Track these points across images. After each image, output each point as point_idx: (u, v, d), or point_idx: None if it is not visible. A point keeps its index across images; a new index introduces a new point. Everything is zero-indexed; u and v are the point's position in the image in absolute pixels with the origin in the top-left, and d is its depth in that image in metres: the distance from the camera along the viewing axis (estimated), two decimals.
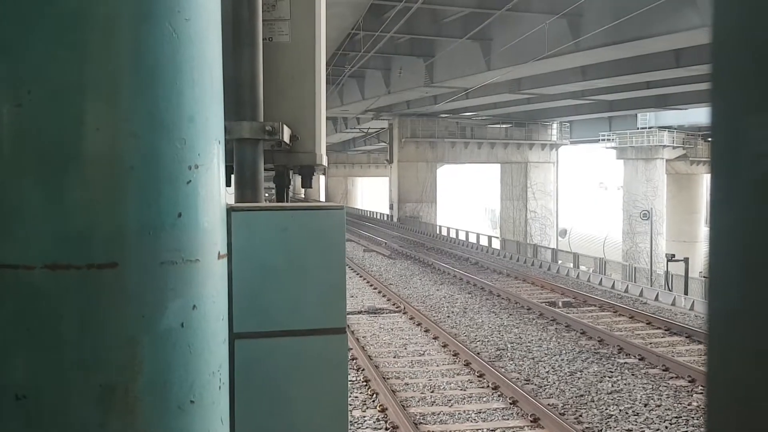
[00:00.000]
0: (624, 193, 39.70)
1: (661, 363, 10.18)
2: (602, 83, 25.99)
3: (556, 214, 45.54)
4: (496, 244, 30.45)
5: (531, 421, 7.86)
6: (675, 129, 38.33)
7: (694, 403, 8.53)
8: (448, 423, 7.97)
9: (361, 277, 19.79)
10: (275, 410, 1.52)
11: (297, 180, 2.61)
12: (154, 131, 1.04)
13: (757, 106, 0.59)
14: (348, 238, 26.58)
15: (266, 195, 2.33)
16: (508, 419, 8.06)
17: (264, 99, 2.07)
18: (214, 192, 1.16)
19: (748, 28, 0.60)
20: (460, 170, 70.01)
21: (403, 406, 8.33)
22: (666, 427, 7.75)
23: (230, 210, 1.42)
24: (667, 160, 38.32)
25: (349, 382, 9.21)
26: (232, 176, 2.04)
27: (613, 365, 10.37)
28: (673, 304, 16.00)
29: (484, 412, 8.26)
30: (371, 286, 18.26)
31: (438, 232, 36.01)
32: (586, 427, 7.71)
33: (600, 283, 19.26)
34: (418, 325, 13.30)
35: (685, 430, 7.69)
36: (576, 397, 8.86)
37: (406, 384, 9.44)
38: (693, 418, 8.05)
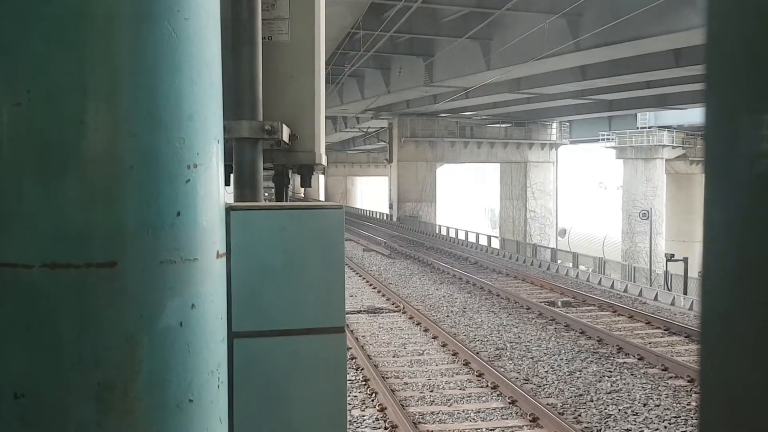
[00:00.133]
0: (623, 193, 39.70)
1: (660, 363, 10.18)
2: (602, 83, 25.99)
3: (556, 214, 45.54)
4: (495, 244, 30.45)
5: (530, 421, 7.86)
6: (674, 129, 38.33)
7: (693, 403, 8.54)
8: (447, 422, 7.97)
9: (360, 276, 19.79)
10: (274, 409, 1.53)
11: (296, 179, 2.61)
12: (153, 130, 1.04)
13: (751, 107, 0.59)
14: (347, 238, 26.60)
15: (265, 194, 2.33)
16: (507, 419, 8.06)
17: (263, 98, 2.07)
18: (213, 191, 1.16)
19: (742, 29, 0.60)
20: (460, 170, 70.04)
21: (402, 405, 8.33)
22: (665, 427, 7.76)
23: (229, 209, 1.42)
24: (666, 160, 38.33)
25: (349, 382, 9.21)
26: (231, 175, 2.04)
27: (612, 365, 10.37)
28: (673, 303, 16.00)
29: (483, 412, 8.26)
30: (370, 285, 18.26)
31: (437, 231, 36.01)
32: (585, 427, 7.71)
33: (599, 283, 19.26)
34: (418, 324, 13.30)
35: (684, 429, 7.70)
36: (575, 396, 8.86)
37: (405, 383, 9.44)
38: (692, 417, 8.05)
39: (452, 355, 10.93)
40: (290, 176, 2.37)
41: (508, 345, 11.72)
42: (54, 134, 0.99)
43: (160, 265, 1.04)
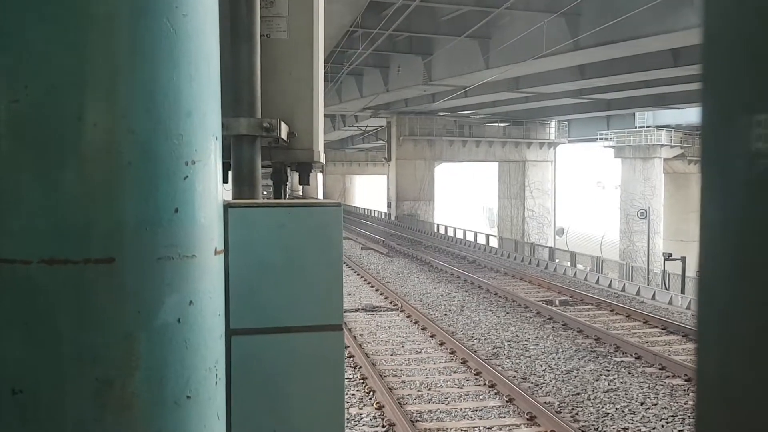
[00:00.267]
0: (621, 192, 39.73)
1: (657, 362, 10.20)
2: (600, 82, 25.99)
3: (554, 213, 45.56)
4: (493, 243, 30.47)
5: (527, 419, 7.88)
6: (673, 128, 38.35)
7: (690, 402, 8.55)
8: (445, 421, 7.98)
9: (358, 275, 19.79)
10: (272, 406, 1.53)
11: (295, 177, 2.61)
12: (151, 127, 1.04)
13: (749, 106, 0.59)
14: (346, 236, 26.58)
15: (264, 192, 2.33)
16: (504, 417, 8.07)
17: (261, 95, 2.07)
18: (211, 188, 1.16)
19: (740, 28, 0.60)
20: (458, 168, 70.04)
21: (400, 403, 8.34)
22: (662, 426, 7.77)
23: (227, 206, 1.42)
24: (664, 159, 38.34)
25: (347, 379, 9.21)
26: (230, 173, 2.04)
27: (609, 364, 10.39)
28: (670, 303, 16.03)
29: (481, 410, 8.28)
30: (369, 284, 18.27)
31: (436, 230, 36.03)
32: (583, 426, 7.72)
33: (597, 282, 19.29)
34: (416, 323, 13.31)
35: (681, 428, 7.71)
36: (572, 395, 8.88)
37: (403, 382, 9.45)
38: (689, 417, 8.06)
39: (450, 353, 10.95)
40: (289, 174, 2.37)
41: (506, 343, 11.74)
42: (52, 130, 0.99)
43: (157, 261, 1.04)
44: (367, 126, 48.60)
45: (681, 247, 32.06)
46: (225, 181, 1.82)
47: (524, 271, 21.23)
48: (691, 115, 36.34)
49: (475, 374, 9.70)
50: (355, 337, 11.99)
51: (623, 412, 8.23)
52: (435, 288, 17.75)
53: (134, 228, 1.02)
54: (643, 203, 34.76)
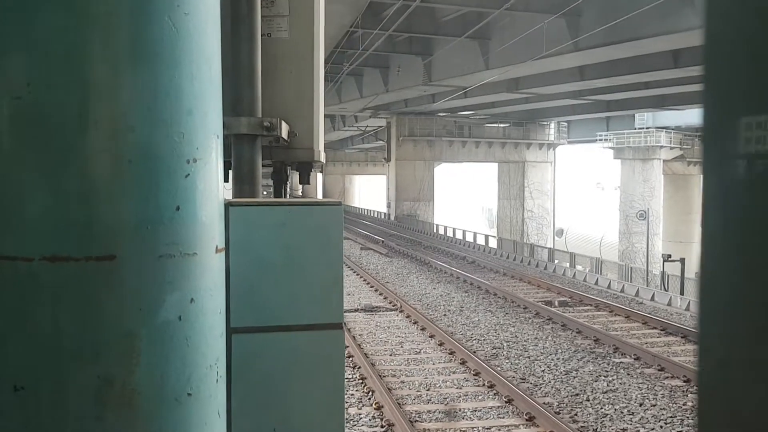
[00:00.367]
0: (621, 194, 39.73)
1: (656, 363, 10.20)
2: (600, 83, 26.00)
3: (553, 214, 45.57)
4: (492, 243, 30.47)
5: (526, 420, 7.88)
6: (672, 129, 38.36)
7: (689, 403, 8.56)
8: (444, 421, 7.98)
9: (357, 275, 19.79)
10: (272, 405, 1.53)
11: (294, 177, 2.61)
12: (152, 125, 1.04)
13: (750, 108, 0.59)
14: (345, 236, 26.59)
15: (263, 193, 2.33)
16: (503, 417, 8.07)
17: (262, 95, 2.07)
18: (212, 186, 1.16)
19: (741, 29, 0.60)
20: (458, 169, 70.04)
21: (399, 403, 8.34)
22: (661, 427, 7.77)
23: (228, 205, 1.42)
24: (664, 161, 38.36)
25: (346, 379, 9.21)
26: (230, 172, 2.04)
27: (608, 365, 10.39)
28: (669, 304, 16.03)
29: (480, 411, 8.28)
30: (368, 284, 18.27)
31: (435, 230, 36.03)
32: (581, 426, 7.73)
33: (596, 283, 19.29)
34: (415, 323, 13.31)
35: (680, 429, 7.72)
36: (571, 396, 8.88)
37: (402, 382, 9.45)
38: (688, 417, 8.07)
39: (449, 354, 10.95)
40: (289, 173, 2.38)
41: (505, 344, 11.74)
42: (54, 128, 1.00)
43: (159, 259, 1.04)
44: (366, 126, 48.59)
45: (680, 249, 32.08)
46: (225, 180, 1.82)
47: (523, 271, 21.23)
48: (690, 116, 36.35)
49: (474, 375, 9.70)
50: (354, 337, 11.98)
51: (622, 412, 8.23)
52: (434, 288, 17.75)
53: (136, 226, 1.02)
54: (643, 204, 34.75)
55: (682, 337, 12.15)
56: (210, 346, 1.14)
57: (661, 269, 22.58)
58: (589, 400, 8.68)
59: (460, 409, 8.31)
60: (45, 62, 1.00)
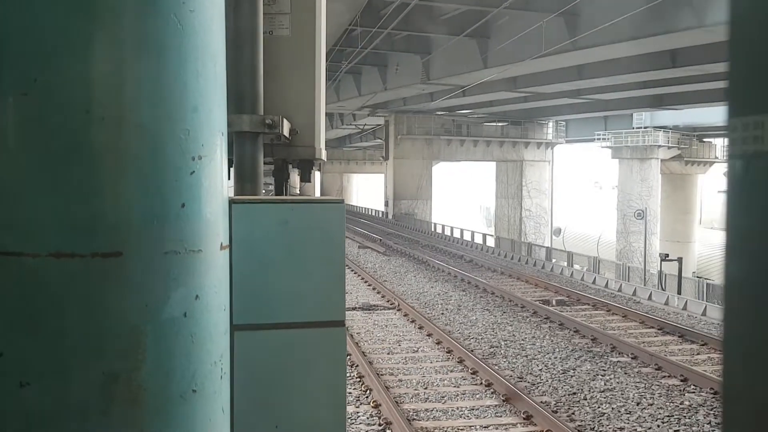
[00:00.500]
0: (618, 193, 39.78)
1: (653, 362, 10.22)
2: (598, 82, 26.02)
3: (551, 213, 45.62)
4: (490, 242, 30.49)
5: (524, 419, 7.89)
6: (670, 129, 38.41)
7: (686, 402, 8.58)
8: (442, 419, 7.99)
9: (355, 273, 19.79)
10: (274, 401, 1.53)
11: (293, 175, 2.62)
12: (158, 121, 1.04)
13: None
14: None
15: (264, 190, 2.33)
16: (501, 416, 8.08)
17: (264, 92, 2.07)
18: (217, 183, 1.16)
19: (766, 26, 0.59)
20: (456, 168, 70.04)
21: (397, 402, 8.34)
22: (658, 426, 7.79)
23: (231, 202, 1.42)
24: (661, 160, 38.41)
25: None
26: (232, 169, 2.04)
27: (605, 364, 10.41)
28: (667, 303, 16.06)
29: (477, 409, 8.29)
30: (366, 282, 18.28)
31: (433, 229, 36.04)
32: (579, 425, 7.74)
33: (593, 282, 19.32)
34: (412, 321, 13.32)
35: (676, 429, 7.73)
36: (569, 395, 8.89)
37: (400, 380, 9.46)
38: (685, 416, 8.09)
39: (447, 352, 10.95)
40: (290, 171, 2.38)
41: (503, 343, 11.75)
42: (60, 123, 1.00)
43: (164, 255, 1.04)
44: (365, 124, 48.58)
45: (677, 248, 32.19)
46: (227, 177, 1.82)
47: (521, 270, 21.25)
48: (688, 116, 36.42)
49: (471, 373, 9.71)
50: (352, 335, 11.99)
51: (619, 411, 8.25)
52: (432, 287, 17.76)
53: (141, 222, 1.03)
54: (640, 204, 34.80)
55: (679, 337, 12.18)
56: (214, 343, 1.15)
57: (659, 268, 22.63)
58: (586, 399, 8.70)
59: (457, 407, 8.32)
60: (51, 59, 1.00)
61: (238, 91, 1.99)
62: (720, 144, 42.57)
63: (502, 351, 11.21)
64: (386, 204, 43.86)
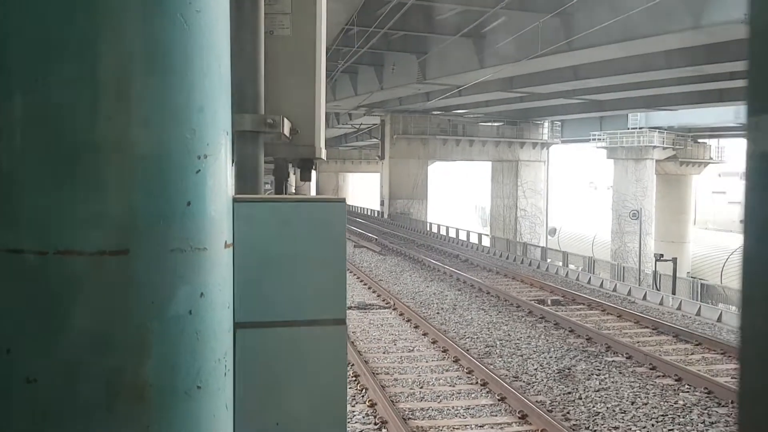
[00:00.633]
0: (613, 193, 39.87)
1: (648, 362, 10.27)
2: (593, 83, 26.07)
3: (546, 213, 45.69)
4: (486, 242, 30.54)
5: (519, 418, 7.91)
6: (665, 130, 38.53)
7: (681, 402, 8.62)
8: (437, 419, 8.01)
9: (351, 272, 19.79)
10: (275, 399, 1.54)
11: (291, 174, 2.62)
12: (164, 121, 1.05)
13: None
14: None
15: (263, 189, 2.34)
16: (496, 415, 8.11)
17: (264, 92, 2.08)
18: (222, 182, 1.18)
19: None
20: (451, 167, 70.09)
21: (392, 401, 8.36)
22: (653, 425, 7.83)
23: (233, 201, 1.43)
24: (656, 161, 38.52)
25: None
26: (232, 168, 2.05)
27: (600, 363, 10.44)
28: (661, 303, 16.12)
29: (473, 408, 8.31)
30: (361, 281, 18.29)
31: (428, 229, 36.07)
32: (574, 425, 7.77)
33: (589, 282, 19.37)
34: (408, 321, 13.33)
35: (671, 428, 7.77)
36: (564, 394, 8.92)
37: (396, 379, 9.47)
38: (679, 416, 8.13)
39: (442, 351, 10.97)
40: (290, 170, 2.39)
41: (498, 342, 11.78)
42: (66, 123, 1.01)
43: (170, 253, 1.05)
44: (360, 124, 48.56)
45: (671, 249, 32.27)
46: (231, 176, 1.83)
47: (516, 270, 21.29)
48: (683, 116, 36.53)
49: (467, 372, 9.74)
50: (347, 334, 11.99)
51: (614, 411, 8.28)
52: (427, 286, 17.79)
53: (148, 221, 1.04)
54: (635, 204, 34.91)
55: (673, 336, 12.23)
56: (218, 340, 1.16)
57: (653, 269, 22.70)
58: (581, 399, 8.73)
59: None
60: (57, 58, 1.00)
61: (239, 90, 1.99)
62: (714, 145, 42.73)
63: (498, 350, 11.24)
64: (382, 203, 43.86)
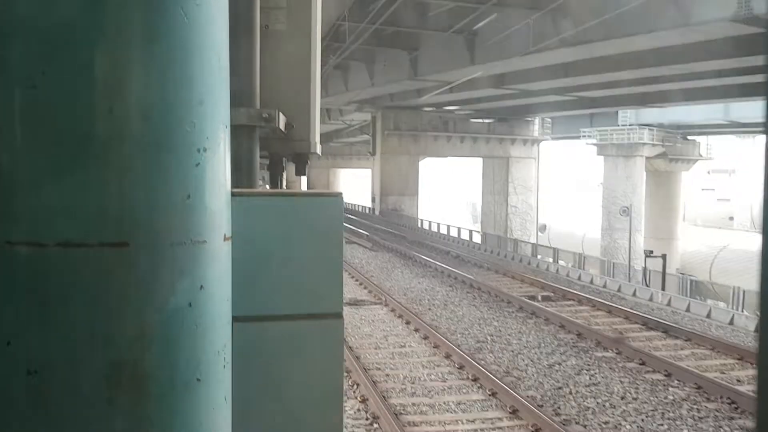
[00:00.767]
0: (603, 190, 39.99)
1: (637, 357, 10.34)
2: (584, 80, 26.13)
3: (537, 209, 45.81)
4: (476, 238, 30.60)
5: (510, 413, 7.95)
6: (655, 127, 38.68)
7: (670, 397, 8.69)
8: (428, 414, 8.04)
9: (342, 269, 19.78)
10: (272, 392, 1.55)
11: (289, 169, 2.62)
12: (165, 114, 1.06)
13: None
14: None
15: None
16: (487, 410, 8.15)
17: (260, 86, 2.08)
18: (221, 175, 1.18)
19: None
20: (442, 164, 70.12)
21: (384, 396, 8.38)
22: (642, 420, 7.88)
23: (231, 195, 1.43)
24: (646, 158, 38.68)
25: None
26: None
27: (590, 359, 10.50)
28: (651, 299, 16.22)
29: (464, 404, 8.34)
30: (353, 278, 18.29)
31: (420, 225, 36.11)
32: (564, 419, 7.81)
33: (579, 278, 19.46)
34: (399, 317, 13.36)
35: (660, 423, 7.83)
36: (554, 389, 8.97)
37: (387, 375, 9.49)
38: (669, 411, 8.19)
39: (433, 347, 11.00)
40: (285, 164, 2.39)
41: (489, 338, 11.82)
42: (68, 115, 1.01)
43: (170, 246, 1.06)
44: (352, 120, 48.49)
45: (661, 245, 32.44)
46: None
47: (507, 266, 21.36)
48: (673, 114, 36.69)
49: (458, 368, 9.77)
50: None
51: (604, 406, 8.33)
52: (419, 283, 17.81)
53: (148, 213, 1.04)
54: (625, 201, 35.06)
55: (663, 332, 12.31)
56: (217, 333, 1.16)
57: (643, 265, 22.82)
58: (571, 394, 8.78)
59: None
60: (59, 51, 1.00)
61: (235, 84, 1.99)
62: (704, 142, 42.97)
63: (489, 346, 11.28)
64: (373, 200, 43.83)
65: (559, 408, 8.23)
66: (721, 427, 7.68)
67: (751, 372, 9.89)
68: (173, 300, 1.06)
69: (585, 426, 7.66)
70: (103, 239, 1.01)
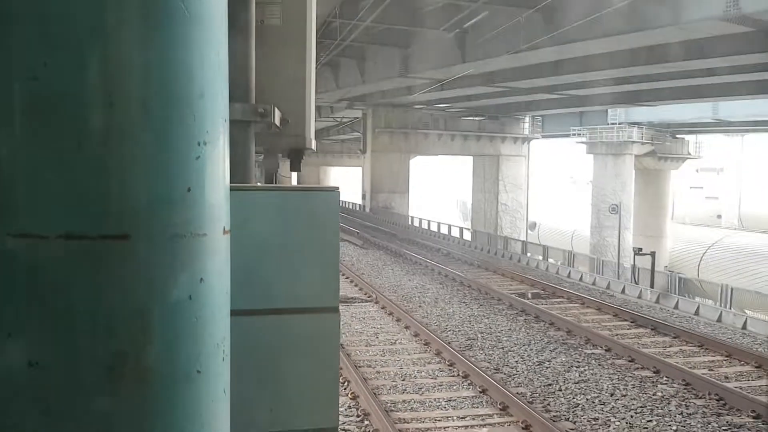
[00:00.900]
0: (593, 188, 40.17)
1: (626, 354, 10.41)
2: (574, 78, 26.22)
3: (527, 207, 45.95)
4: (467, 236, 30.67)
5: (500, 409, 7.99)
6: (644, 125, 38.88)
7: (659, 393, 8.75)
8: (419, 411, 8.06)
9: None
10: (269, 385, 1.56)
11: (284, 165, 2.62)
12: (165, 107, 1.06)
13: None
14: None
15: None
16: (477, 407, 8.18)
17: (255, 81, 2.08)
18: (220, 169, 1.18)
19: None
20: (433, 161, 70.14)
21: (375, 393, 8.40)
22: (631, 416, 7.94)
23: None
24: (635, 156, 38.88)
25: None
26: None
27: (580, 356, 10.57)
28: (640, 296, 16.33)
29: (455, 400, 8.37)
30: (343, 275, 18.28)
31: (410, 222, 36.14)
32: (554, 416, 7.86)
33: (568, 276, 19.55)
34: (390, 314, 13.38)
35: (649, 419, 7.89)
36: (544, 386, 9.02)
37: (378, 372, 9.51)
38: (657, 407, 8.26)
39: (424, 344, 11.03)
40: (279, 160, 2.39)
41: (479, 335, 11.86)
42: (69, 107, 1.01)
43: (171, 239, 1.06)
44: (342, 117, 48.42)
45: (650, 243, 32.65)
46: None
47: (497, 264, 21.43)
48: (662, 112, 36.90)
49: (448, 365, 9.80)
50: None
51: (593, 402, 8.39)
52: (409, 280, 17.84)
53: (149, 205, 1.04)
54: (614, 199, 35.21)
55: (651, 329, 12.40)
56: (217, 326, 1.17)
57: (632, 262, 22.95)
58: (561, 390, 8.83)
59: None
60: (60, 43, 1.01)
61: (230, 79, 1.99)
62: (693, 140, 43.23)
63: (479, 343, 11.32)
64: (363, 197, 43.80)
65: (549, 404, 8.28)
66: (709, 423, 7.75)
67: (739, 369, 9.98)
68: (174, 292, 1.06)
69: (575, 423, 7.71)
70: (104, 231, 1.01)
